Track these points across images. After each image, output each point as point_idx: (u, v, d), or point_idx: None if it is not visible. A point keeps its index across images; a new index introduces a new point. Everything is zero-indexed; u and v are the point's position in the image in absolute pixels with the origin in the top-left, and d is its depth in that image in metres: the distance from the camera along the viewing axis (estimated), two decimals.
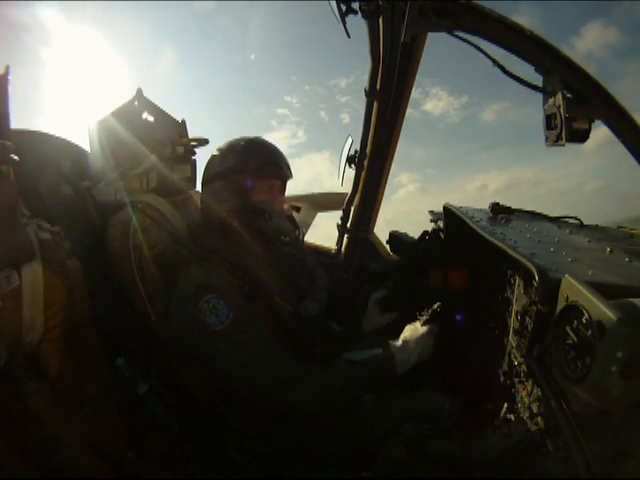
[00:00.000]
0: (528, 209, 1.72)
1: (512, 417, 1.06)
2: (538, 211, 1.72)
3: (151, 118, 1.49)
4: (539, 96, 0.98)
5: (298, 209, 1.53)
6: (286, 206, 1.40)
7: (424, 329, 1.30)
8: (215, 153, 1.38)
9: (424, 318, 1.33)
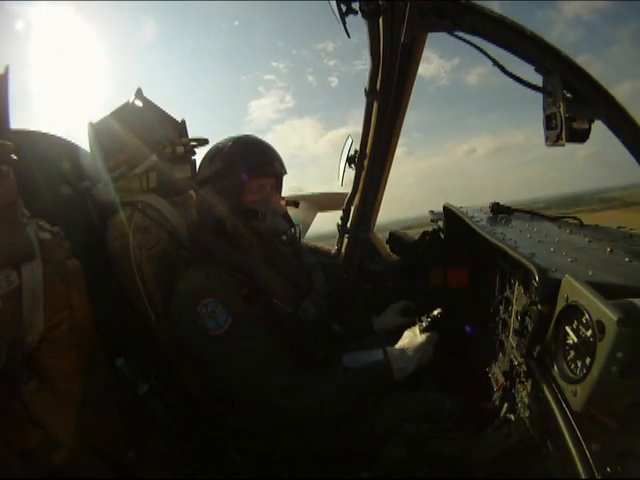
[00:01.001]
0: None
1: (512, 417, 1.06)
2: (536, 211, 1.73)
3: (139, 103, 1.47)
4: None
5: (297, 204, 1.52)
6: (281, 204, 1.39)
7: (423, 337, 1.29)
8: (204, 157, 1.36)
9: (424, 325, 1.32)
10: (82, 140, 1.47)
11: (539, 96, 0.97)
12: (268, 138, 1.77)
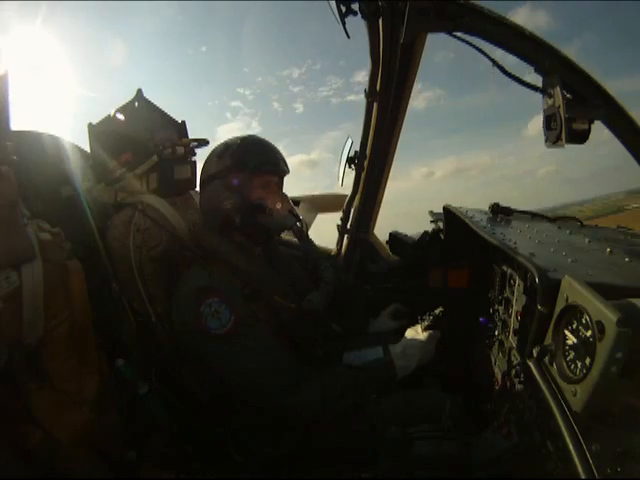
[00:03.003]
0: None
1: (512, 417, 1.06)
2: (533, 211, 1.73)
3: (140, 104, 1.48)
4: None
5: (298, 203, 1.53)
6: (286, 201, 1.40)
7: (425, 335, 1.29)
8: (211, 154, 1.39)
9: (425, 323, 1.32)
10: (82, 141, 1.48)
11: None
12: None
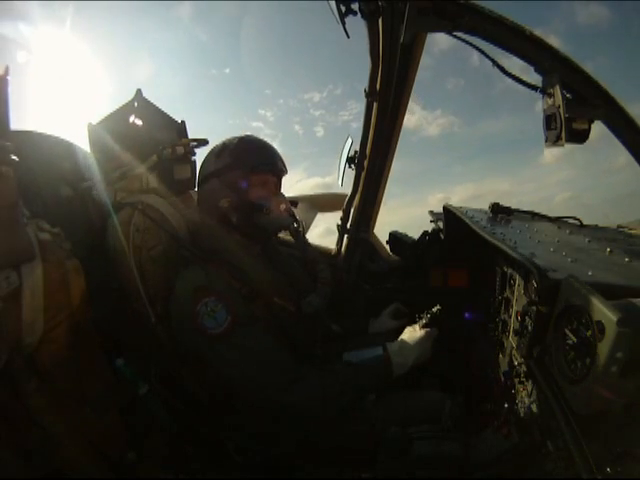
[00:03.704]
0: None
1: (512, 417, 1.06)
2: (536, 211, 1.73)
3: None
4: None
5: (296, 204, 1.53)
6: (284, 201, 1.40)
7: (422, 332, 1.30)
8: (210, 153, 1.39)
9: (423, 321, 1.32)
10: (82, 140, 1.48)
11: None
12: None
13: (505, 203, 1.73)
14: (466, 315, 1.53)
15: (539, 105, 0.97)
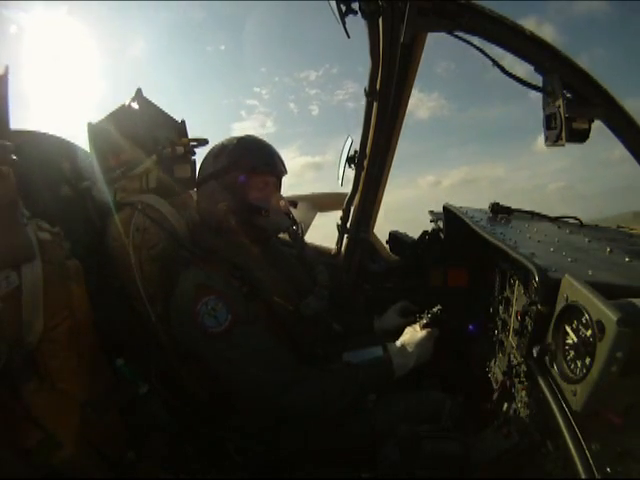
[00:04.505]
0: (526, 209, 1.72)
1: (512, 417, 1.06)
2: (536, 211, 1.73)
3: (139, 103, 1.47)
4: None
5: (295, 204, 1.53)
6: (283, 202, 1.40)
7: (423, 333, 1.29)
8: (209, 153, 1.38)
9: (424, 321, 1.32)
10: (82, 140, 1.48)
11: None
12: None
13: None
14: (470, 328, 1.53)
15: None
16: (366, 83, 1.50)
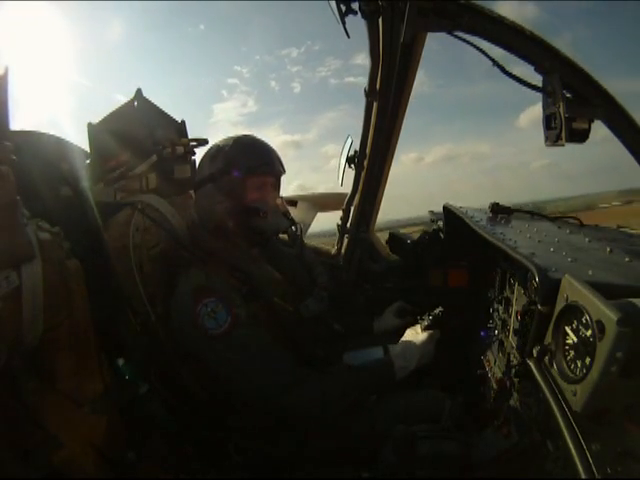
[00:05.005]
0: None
1: (512, 417, 1.06)
2: (535, 211, 1.73)
3: (139, 103, 1.47)
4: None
5: (294, 203, 1.53)
6: (281, 202, 1.39)
7: (425, 335, 1.29)
8: (205, 155, 1.37)
9: (425, 323, 1.32)
10: (82, 140, 1.47)
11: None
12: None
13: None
14: (482, 334, 1.53)
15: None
16: (365, 82, 1.50)
